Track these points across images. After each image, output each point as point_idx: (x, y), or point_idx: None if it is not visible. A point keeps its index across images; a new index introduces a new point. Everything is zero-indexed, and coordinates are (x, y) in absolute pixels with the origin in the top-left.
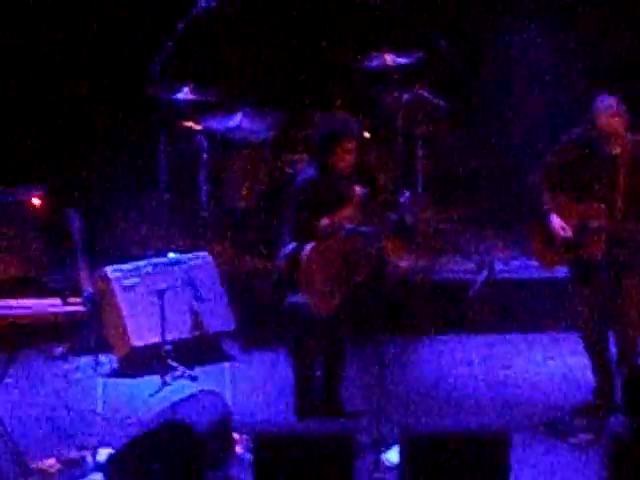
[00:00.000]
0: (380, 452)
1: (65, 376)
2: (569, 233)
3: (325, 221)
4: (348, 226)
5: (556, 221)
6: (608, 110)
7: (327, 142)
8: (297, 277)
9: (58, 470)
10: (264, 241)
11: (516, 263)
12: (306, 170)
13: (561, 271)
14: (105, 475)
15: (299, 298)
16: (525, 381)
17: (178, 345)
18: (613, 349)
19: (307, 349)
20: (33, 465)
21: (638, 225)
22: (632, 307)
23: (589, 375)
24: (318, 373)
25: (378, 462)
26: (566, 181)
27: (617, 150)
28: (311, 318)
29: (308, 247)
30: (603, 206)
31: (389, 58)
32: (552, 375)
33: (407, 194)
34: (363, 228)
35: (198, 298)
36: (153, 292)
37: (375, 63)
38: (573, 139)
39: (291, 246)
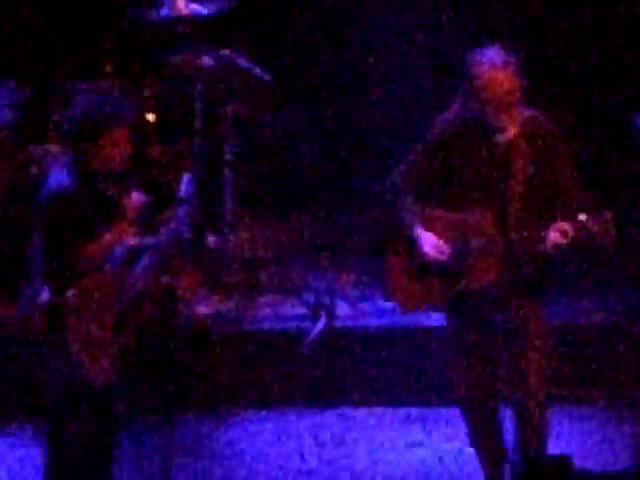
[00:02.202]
0: None
1: None
2: (445, 255)
3: (91, 248)
4: (118, 251)
5: (427, 239)
6: (492, 62)
7: (86, 130)
8: (64, 335)
9: None
10: (4, 275)
11: (367, 306)
12: (57, 172)
13: (432, 317)
14: None
15: (65, 361)
16: (377, 476)
17: None
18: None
19: (73, 430)
20: None
21: (539, 232)
22: (534, 360)
23: (472, 466)
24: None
25: None
26: (439, 183)
27: (510, 132)
28: (83, 388)
29: (71, 292)
30: (490, 213)
31: (183, 4)
32: (419, 467)
33: (186, 178)
34: (146, 240)
35: None
36: None
37: (163, 12)
38: (447, 122)
39: (47, 293)
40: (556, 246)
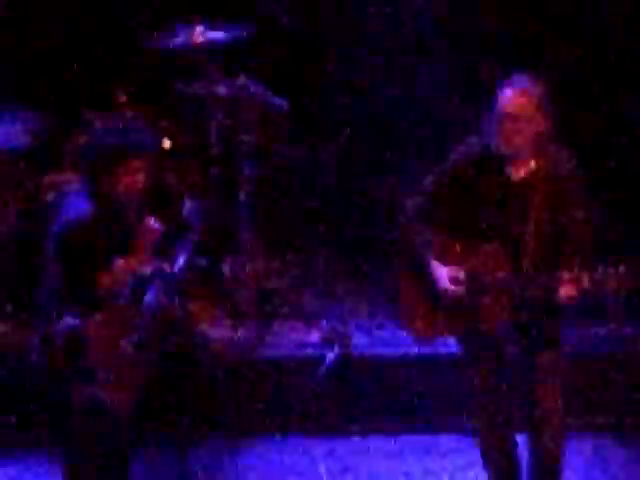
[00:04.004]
0: None
1: None
2: (461, 287)
3: (107, 276)
4: (132, 279)
5: (442, 271)
6: (513, 85)
7: (104, 158)
8: (88, 362)
9: None
10: (16, 300)
11: (383, 333)
12: (74, 200)
13: (448, 344)
14: None
15: (87, 388)
16: None
17: None
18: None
19: (89, 456)
20: None
21: (554, 275)
22: (550, 396)
23: None
24: None
25: None
26: (453, 214)
27: (527, 168)
28: (103, 416)
29: (93, 321)
30: (504, 251)
31: (199, 33)
32: None
33: (188, 204)
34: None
35: None
36: None
37: (179, 40)
38: (465, 151)
39: (67, 322)
40: (568, 299)
